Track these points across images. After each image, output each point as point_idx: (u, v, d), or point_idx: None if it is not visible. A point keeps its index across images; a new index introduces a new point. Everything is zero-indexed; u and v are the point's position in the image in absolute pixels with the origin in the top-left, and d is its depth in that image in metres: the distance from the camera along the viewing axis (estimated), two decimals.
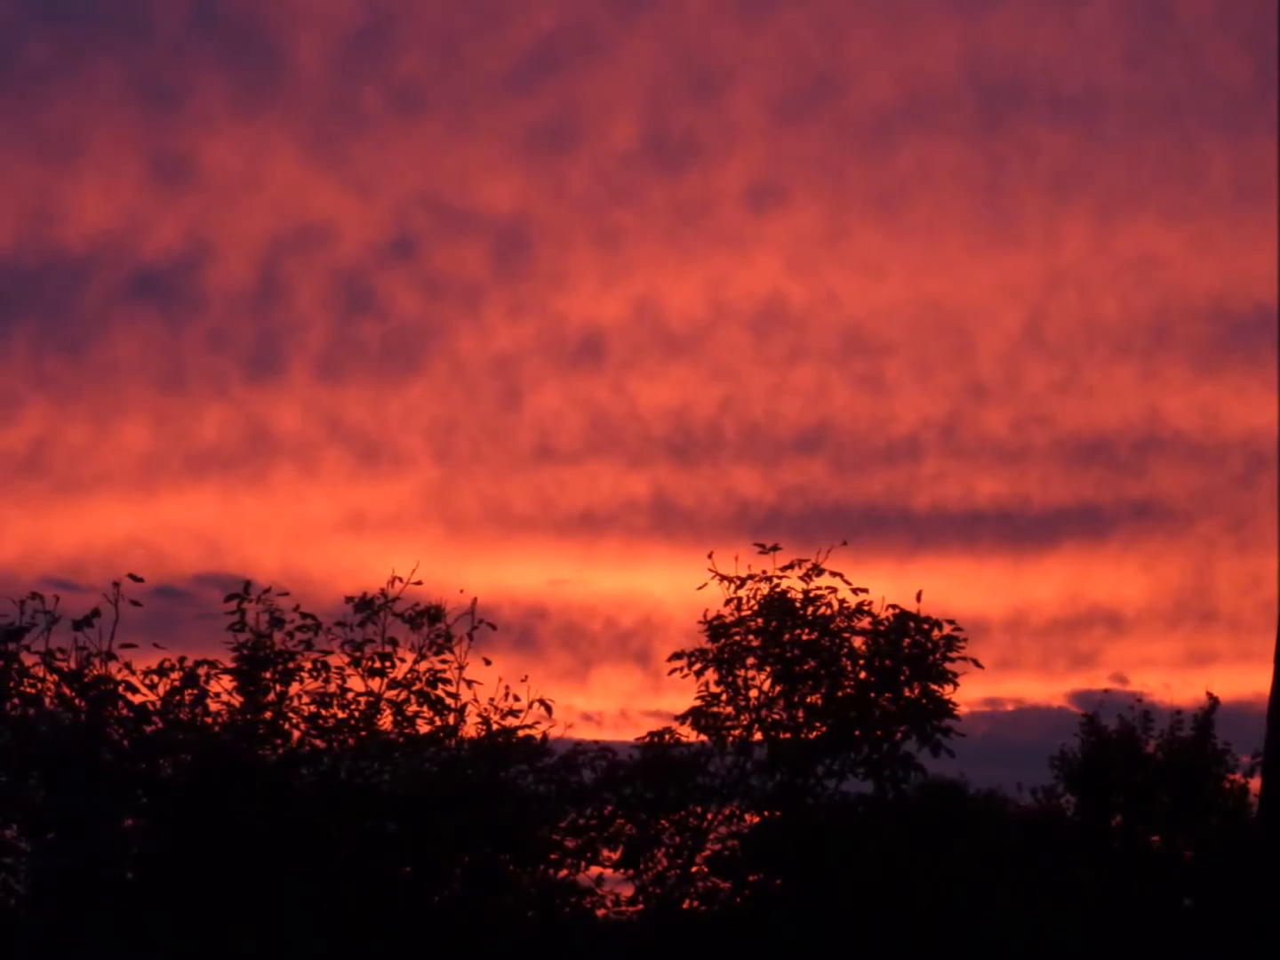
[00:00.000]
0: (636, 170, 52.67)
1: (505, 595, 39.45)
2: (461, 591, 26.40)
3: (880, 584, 28.64)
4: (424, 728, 26.17)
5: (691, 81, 52.04)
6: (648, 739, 27.94)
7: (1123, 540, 53.27)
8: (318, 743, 25.64)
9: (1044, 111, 53.55)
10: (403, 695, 26.09)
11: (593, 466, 51.18)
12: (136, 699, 24.91)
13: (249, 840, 24.56)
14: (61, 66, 50.02)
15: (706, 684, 28.14)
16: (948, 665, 28.11)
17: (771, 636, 27.97)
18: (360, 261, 51.28)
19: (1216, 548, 52.77)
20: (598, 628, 42.60)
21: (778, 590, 28.23)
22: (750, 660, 28.06)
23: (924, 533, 51.50)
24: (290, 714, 25.58)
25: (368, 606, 26.03)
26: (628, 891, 27.47)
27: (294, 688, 25.64)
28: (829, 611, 28.13)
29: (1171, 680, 43.82)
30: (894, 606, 28.28)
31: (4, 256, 49.71)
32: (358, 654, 25.92)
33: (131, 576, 24.65)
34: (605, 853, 27.32)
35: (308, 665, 25.68)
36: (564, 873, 26.93)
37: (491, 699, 26.39)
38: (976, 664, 28.43)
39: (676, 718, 28.22)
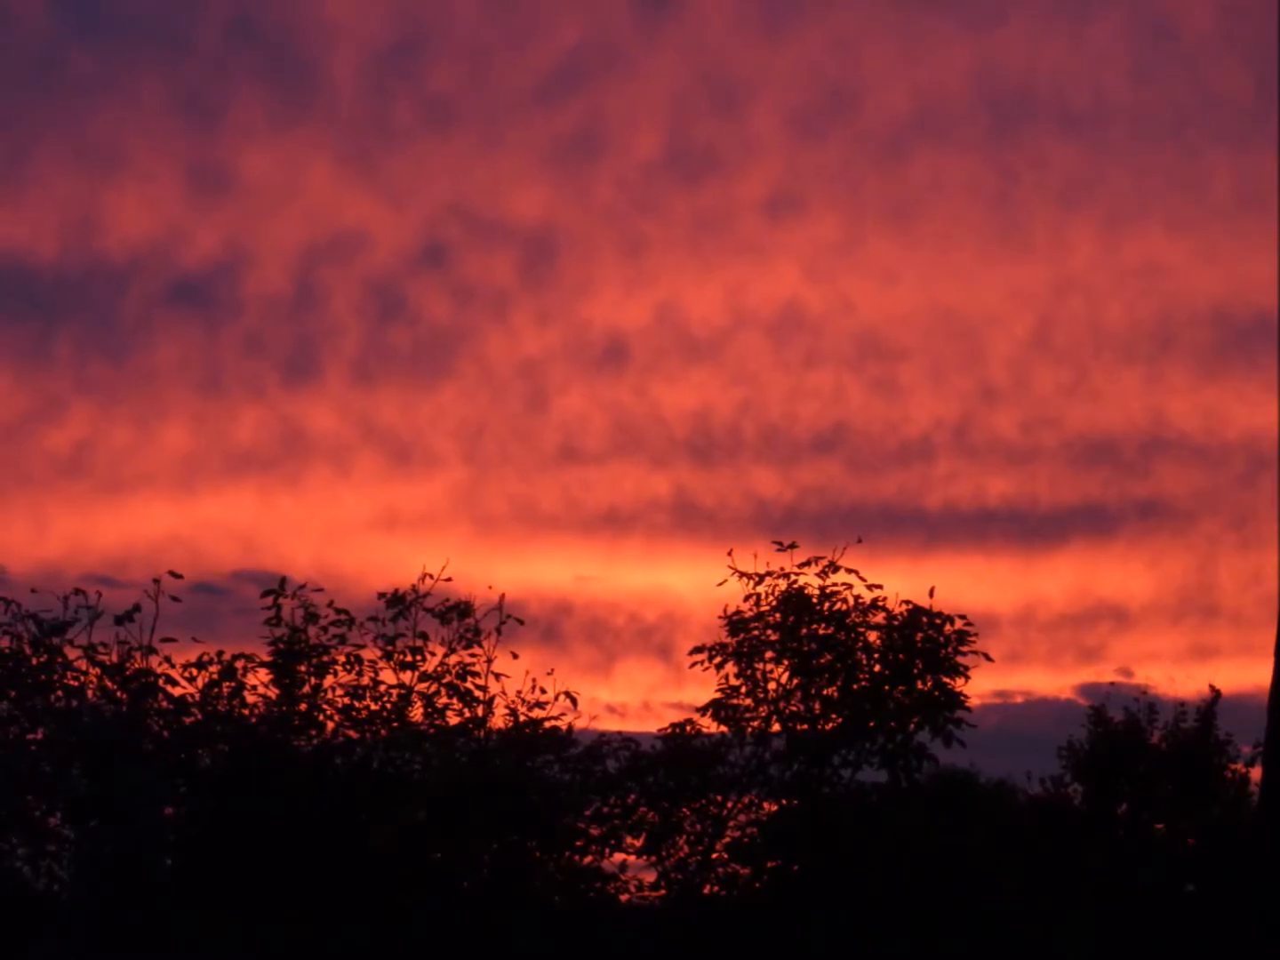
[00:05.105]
0: (659, 181, 53.31)
1: (532, 591, 39.95)
2: (490, 588, 26.96)
3: (894, 580, 28.94)
4: (454, 719, 26.65)
5: (713, 95, 52.69)
6: (670, 730, 28.21)
7: (1128, 538, 53.79)
8: (351, 734, 26.14)
9: (1053, 125, 54.22)
10: (433, 688, 26.57)
11: (617, 467, 51.77)
12: (176, 691, 25.58)
13: (285, 828, 25.09)
14: (104, 80, 50.77)
15: (726, 677, 28.40)
16: (959, 659, 28.36)
17: (789, 631, 28.24)
18: (392, 269, 51.97)
19: (1219, 545, 53.26)
20: (621, 622, 42.98)
21: (795, 586, 28.48)
22: (769, 654, 28.31)
23: (936, 531, 52.05)
24: (325, 706, 26.10)
25: (399, 602, 26.52)
26: (650, 877, 27.84)
27: (328, 680, 26.17)
28: (845, 607, 28.38)
29: (1175, 673, 44.64)
30: (907, 602, 28.56)
31: (48, 264, 50.34)
32: (390, 648, 26.42)
33: (171, 573, 25.33)
34: (629, 840, 27.64)
35: (341, 659, 26.22)
36: (589, 859, 27.32)
37: (519, 691, 26.93)
38: (987, 658, 28.71)
39: (697, 709, 28.52)
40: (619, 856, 27.64)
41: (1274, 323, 42.60)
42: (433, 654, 26.60)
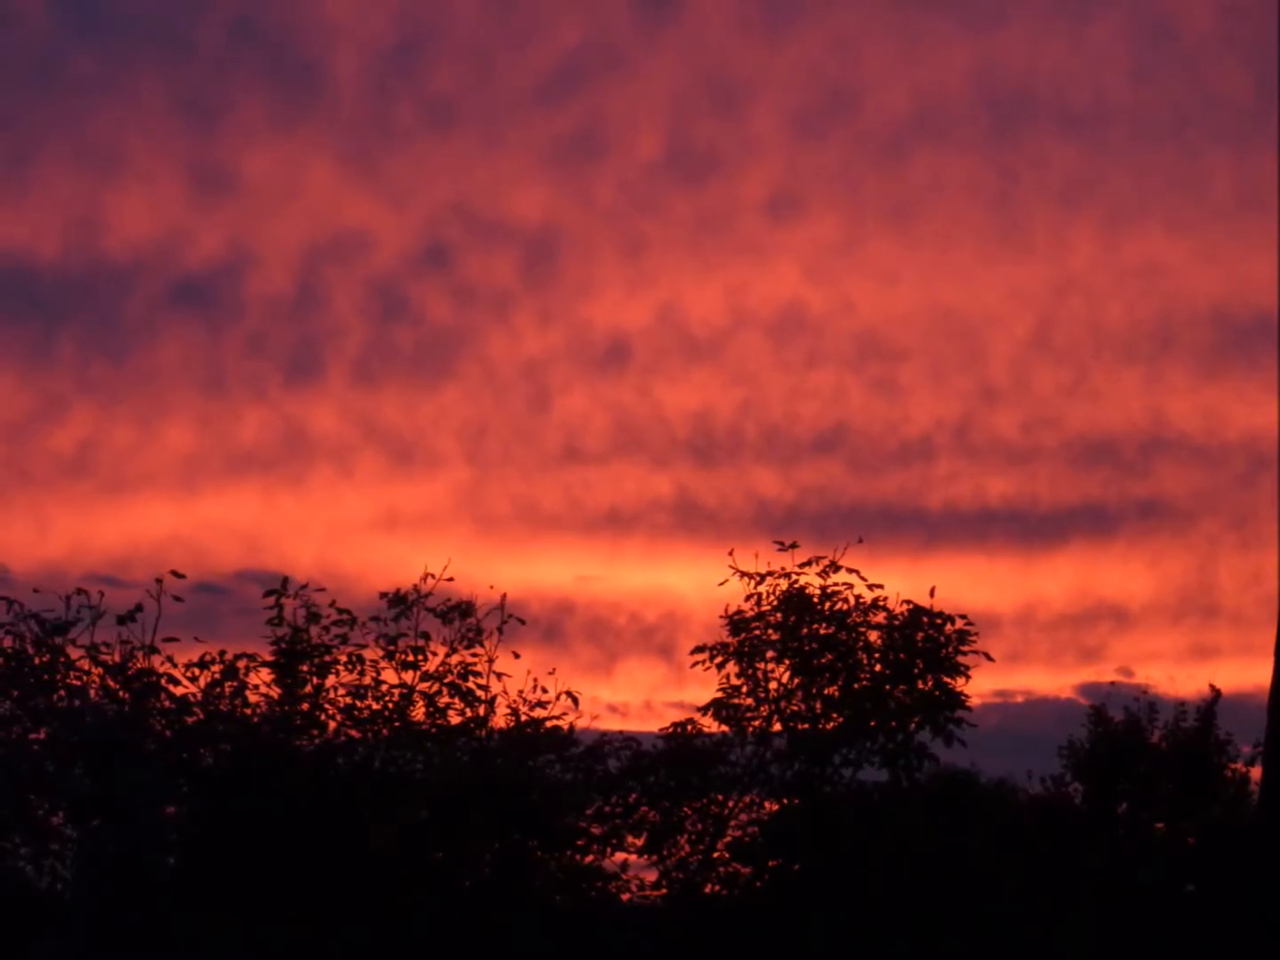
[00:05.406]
0: (660, 181, 53.44)
1: (534, 591, 40.13)
2: (491, 587, 27.04)
3: (895, 580, 29.06)
4: (455, 719, 26.71)
5: (713, 96, 52.79)
6: (671, 729, 28.32)
7: (1129, 538, 53.89)
8: (353, 733, 26.20)
9: (1053, 125, 54.33)
10: (435, 687, 26.63)
11: (618, 467, 51.90)
12: (178, 691, 25.63)
13: (287, 827, 25.12)
14: (105, 80, 50.86)
15: (728, 676, 28.51)
16: (960, 658, 28.48)
17: (790, 631, 28.34)
18: (394, 270, 52.08)
19: (1219, 545, 53.36)
20: (623, 622, 43.10)
21: (796, 586, 28.57)
22: (770, 653, 28.42)
23: (937, 531, 52.17)
24: (326, 705, 26.16)
25: (401, 602, 26.59)
26: (652, 876, 27.93)
27: (330, 680, 26.24)
28: (845, 607, 28.48)
29: (1175, 673, 44.63)
30: (908, 602, 28.67)
31: (51, 265, 50.43)
32: (391, 648, 26.48)
33: (174, 573, 25.40)
34: (630, 839, 27.73)
35: (343, 658, 26.27)
36: (590, 858, 27.39)
37: (520, 691, 27.02)
38: (988, 657, 28.84)
39: (699, 709, 28.63)
40: (620, 856, 27.80)
41: (1274, 323, 42.68)
42: (434, 654, 26.69)
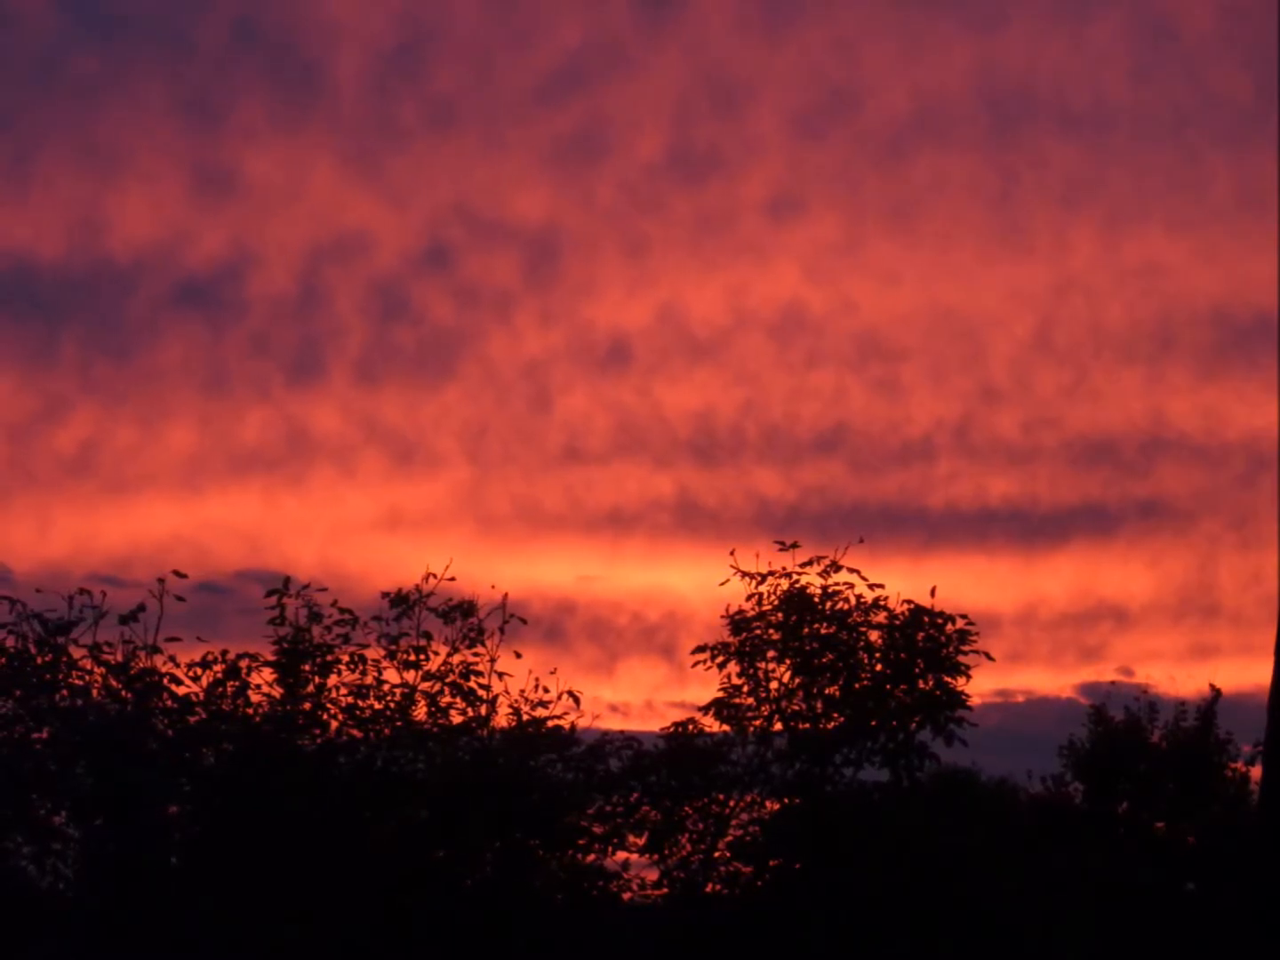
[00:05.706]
0: (661, 182, 53.65)
1: (535, 591, 40.24)
2: (493, 587, 27.09)
3: (896, 580, 29.03)
4: (457, 718, 26.73)
5: (714, 96, 53.01)
6: (672, 729, 28.31)
7: (1129, 538, 54.10)
8: (355, 733, 26.23)
9: (1053, 125, 54.60)
10: (436, 687, 26.65)
11: (620, 467, 52.10)
12: (180, 690, 25.67)
13: (289, 826, 25.16)
14: (108, 81, 51.08)
15: (729, 676, 28.51)
16: (960, 658, 28.46)
17: (791, 630, 28.35)
18: (396, 270, 52.32)
19: (1219, 545, 53.57)
20: (624, 622, 43.25)
21: (797, 586, 28.58)
22: (771, 653, 28.43)
23: (938, 530, 52.39)
24: (328, 705, 26.18)
25: (403, 601, 26.62)
26: (653, 876, 27.93)
27: (332, 679, 26.27)
28: (846, 606, 28.49)
29: (1176, 672, 44.79)
30: (909, 602, 28.64)
31: (54, 265, 50.60)
32: (393, 647, 26.51)
33: (176, 573, 25.48)
34: (631, 838, 27.73)
35: (345, 658, 26.30)
36: (591, 858, 27.41)
37: (522, 690, 27.05)
38: (988, 657, 28.83)
39: (700, 708, 28.62)
40: (621, 855, 27.82)
41: (1274, 323, 42.80)
42: (436, 653, 26.71)
